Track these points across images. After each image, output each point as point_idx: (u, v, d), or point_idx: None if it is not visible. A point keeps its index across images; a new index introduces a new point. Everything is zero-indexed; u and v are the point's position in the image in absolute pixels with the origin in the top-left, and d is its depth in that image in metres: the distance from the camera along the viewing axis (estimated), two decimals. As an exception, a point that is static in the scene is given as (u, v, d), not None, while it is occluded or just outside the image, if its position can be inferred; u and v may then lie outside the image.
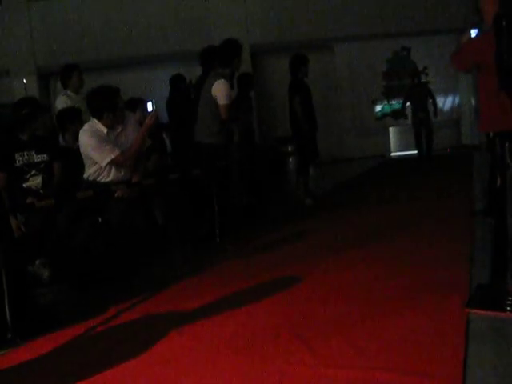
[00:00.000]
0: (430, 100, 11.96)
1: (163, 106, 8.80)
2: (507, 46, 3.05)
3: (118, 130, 5.06)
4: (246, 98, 8.13)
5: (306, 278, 4.09)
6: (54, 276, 4.73)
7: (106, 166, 4.93)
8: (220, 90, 5.81)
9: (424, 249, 4.64)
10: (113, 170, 4.98)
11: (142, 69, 14.90)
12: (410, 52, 15.63)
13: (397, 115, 15.16)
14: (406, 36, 15.08)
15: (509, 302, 3.01)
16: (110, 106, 4.94)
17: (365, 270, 4.15)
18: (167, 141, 8.48)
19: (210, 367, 2.69)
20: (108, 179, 4.99)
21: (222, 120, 5.89)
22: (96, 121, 4.99)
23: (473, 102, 14.55)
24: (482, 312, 3.03)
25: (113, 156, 4.89)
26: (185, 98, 8.14)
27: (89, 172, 5.01)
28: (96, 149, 4.89)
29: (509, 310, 3.00)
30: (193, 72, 9.47)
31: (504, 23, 3.04)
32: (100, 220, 4.86)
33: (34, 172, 5.07)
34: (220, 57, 6.02)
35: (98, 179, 4.99)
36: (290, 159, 13.72)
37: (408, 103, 12.18)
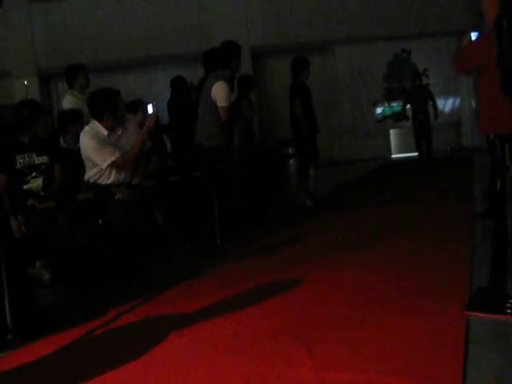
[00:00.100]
0: (431, 102, 11.96)
1: (164, 107, 8.81)
2: (508, 48, 3.05)
3: (119, 133, 5.06)
4: (246, 100, 8.14)
5: (306, 280, 4.09)
6: (55, 278, 4.73)
7: (106, 168, 4.94)
8: (219, 92, 5.82)
9: (424, 251, 4.64)
10: (113, 172, 4.99)
11: (142, 71, 14.91)
12: (410, 54, 15.62)
13: (397, 117, 15.17)
14: (407, 38, 15.08)
15: (509, 305, 3.01)
16: (110, 107, 4.94)
17: (365, 273, 4.14)
18: (168, 142, 8.48)
19: (209, 369, 2.69)
20: (108, 181, 5.00)
21: (221, 122, 5.89)
22: (97, 123, 4.99)
23: (473, 103, 14.55)
24: (482, 315, 3.02)
25: (113, 158, 4.89)
26: (185, 99, 8.15)
27: (89, 174, 5.01)
28: (96, 151, 4.90)
29: (509, 313, 2.99)
30: (193, 74, 9.48)
31: (505, 24, 3.04)
32: (100, 222, 4.87)
33: (34, 174, 5.07)
34: (219, 59, 6.02)
35: (99, 181, 4.99)
36: (291, 161, 13.70)
37: (408, 105, 12.18)
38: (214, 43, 6.74)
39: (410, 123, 12.40)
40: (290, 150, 13.08)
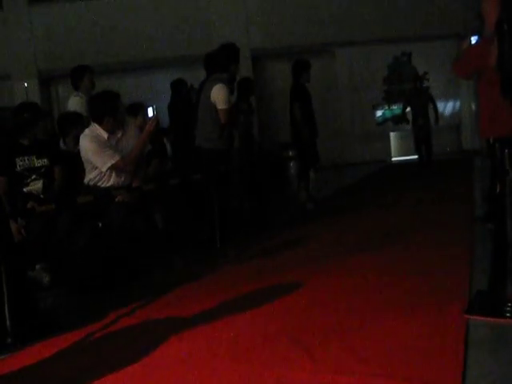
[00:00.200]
0: (431, 106, 11.95)
1: (164, 110, 8.81)
2: (509, 51, 3.06)
3: (119, 135, 5.07)
4: (246, 103, 8.15)
5: (306, 283, 4.09)
6: (54, 281, 4.73)
7: (106, 171, 4.94)
8: (219, 95, 5.82)
9: (424, 254, 4.64)
10: (113, 175, 4.99)
11: (142, 73, 14.93)
12: (410, 57, 15.64)
13: (397, 120, 15.17)
14: (407, 41, 15.11)
15: (508, 309, 3.01)
16: (110, 110, 4.95)
17: (365, 276, 4.14)
18: (168, 145, 8.48)
19: (209, 373, 2.69)
20: (108, 184, 5.00)
21: (221, 124, 5.89)
22: (97, 126, 5.00)
23: (473, 107, 14.56)
24: (482, 318, 3.03)
25: (113, 161, 4.89)
26: (186, 102, 8.16)
27: (89, 177, 5.01)
28: (96, 154, 4.90)
29: (508, 317, 2.99)
30: (194, 76, 9.48)
31: (506, 28, 3.05)
32: (100, 225, 4.87)
33: (34, 177, 5.07)
34: (217, 61, 6.02)
35: (99, 184, 5.00)
36: (291, 164, 13.72)
37: (408, 108, 12.17)
38: (215, 46, 6.75)
39: (410, 126, 12.38)
40: (290, 153, 13.11)
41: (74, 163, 5.24)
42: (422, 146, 11.92)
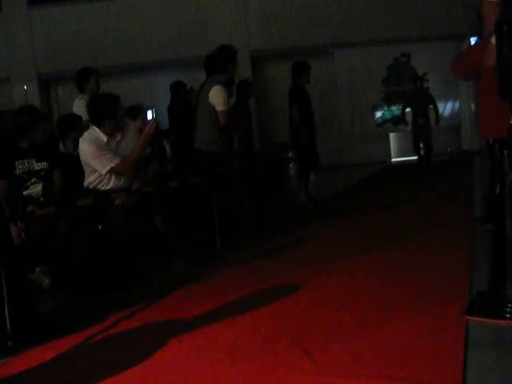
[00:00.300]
0: (431, 106, 11.96)
1: (163, 112, 8.83)
2: (508, 52, 3.06)
3: (118, 138, 5.07)
4: (244, 105, 8.16)
5: (306, 284, 4.09)
6: (54, 284, 4.73)
7: (105, 174, 4.94)
8: (217, 97, 5.82)
9: (424, 255, 4.65)
10: (113, 178, 4.99)
11: (142, 75, 14.94)
12: (409, 58, 15.65)
13: (397, 121, 15.17)
14: (406, 42, 15.12)
15: (508, 310, 3.01)
16: (110, 113, 4.95)
17: (365, 277, 4.15)
18: (167, 147, 8.49)
19: (209, 375, 2.69)
20: (108, 187, 5.00)
21: (220, 126, 5.89)
22: (96, 129, 4.99)
23: (473, 107, 14.56)
24: (482, 319, 3.02)
25: (112, 164, 4.89)
26: (186, 104, 8.16)
27: (89, 180, 5.01)
28: (96, 157, 4.90)
29: (508, 318, 2.99)
30: (193, 78, 9.50)
31: (506, 29, 3.05)
32: (100, 227, 4.87)
33: (34, 180, 5.07)
34: (215, 63, 6.02)
35: (98, 187, 4.99)
36: (291, 165, 13.73)
37: (408, 109, 12.17)
38: (214, 48, 6.76)
39: (408, 128, 12.38)
40: (290, 154, 13.12)
41: (74, 166, 5.24)
42: (421, 145, 11.92)
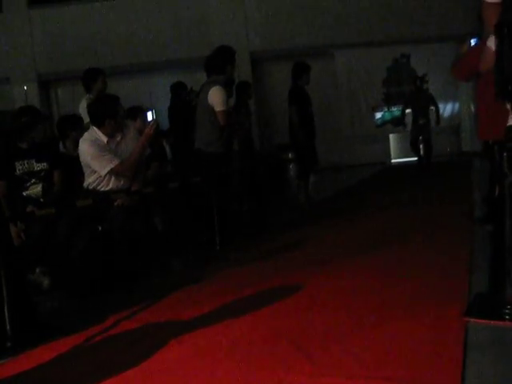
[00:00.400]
0: (432, 107, 11.96)
1: (163, 113, 8.83)
2: (508, 54, 3.05)
3: (118, 139, 5.07)
4: (244, 106, 8.17)
5: (306, 285, 4.09)
6: (54, 284, 4.74)
7: (105, 175, 4.94)
8: (216, 97, 5.82)
9: (423, 256, 4.64)
10: (112, 178, 4.99)
11: (142, 76, 14.95)
12: (409, 59, 15.66)
13: (397, 122, 15.19)
14: (406, 43, 15.13)
15: (507, 311, 3.01)
16: (111, 113, 4.95)
17: (364, 278, 4.15)
18: (167, 148, 8.50)
19: (209, 376, 2.69)
20: (108, 188, 5.00)
21: (220, 126, 5.89)
22: (96, 129, 5.00)
23: (472, 108, 14.57)
24: (481, 321, 3.02)
25: (112, 165, 4.90)
26: (186, 105, 8.17)
27: (88, 181, 5.02)
28: (95, 158, 4.90)
29: (507, 319, 2.99)
30: (193, 79, 9.51)
31: (506, 31, 3.05)
32: (100, 228, 4.87)
33: (34, 180, 5.08)
34: (213, 64, 6.02)
35: (98, 188, 5.00)
36: (291, 166, 13.74)
37: (408, 110, 12.17)
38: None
39: (407, 129, 12.39)
40: (290, 155, 13.14)
41: (74, 167, 5.25)
42: (419, 147, 11.93)
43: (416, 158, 12.37)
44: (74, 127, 5.79)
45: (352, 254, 4.95)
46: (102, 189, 5.00)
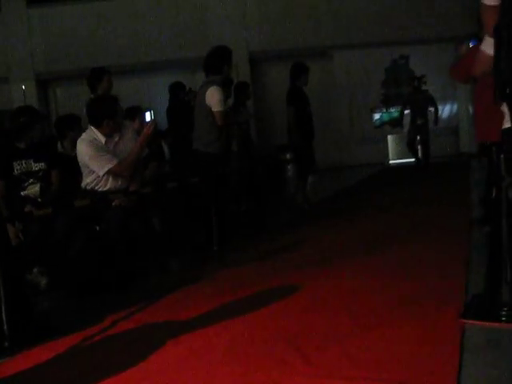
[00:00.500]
0: (431, 108, 11.97)
1: (161, 113, 8.83)
2: (506, 57, 3.06)
3: (116, 139, 5.07)
4: (242, 107, 8.18)
5: (304, 286, 4.10)
6: (52, 284, 4.74)
7: (103, 175, 4.94)
8: (213, 97, 5.81)
9: (421, 257, 4.65)
10: (110, 179, 4.98)
11: (140, 76, 14.94)
12: (408, 60, 15.67)
13: (395, 123, 15.19)
14: (405, 44, 15.14)
15: (504, 313, 3.01)
16: (109, 113, 4.95)
17: (363, 279, 4.15)
18: (166, 148, 8.50)
19: (206, 377, 2.70)
20: (105, 188, 4.99)
21: (218, 127, 5.89)
22: (94, 129, 4.99)
23: (470, 110, 14.57)
24: (478, 323, 3.03)
25: (110, 166, 4.89)
26: (184, 105, 8.17)
27: (86, 181, 5.01)
28: (93, 158, 4.90)
29: (504, 321, 2.99)
30: (192, 79, 9.51)
31: (505, 34, 3.05)
32: (97, 228, 4.87)
33: (32, 180, 5.08)
34: (210, 64, 6.02)
35: (96, 188, 4.99)
36: (289, 166, 13.75)
37: (407, 110, 12.18)
38: (212, 49, 6.77)
39: (405, 129, 12.40)
40: (288, 156, 13.15)
41: (72, 167, 5.24)
42: (416, 148, 11.94)
43: (414, 159, 12.37)
44: (72, 127, 5.78)
45: (351, 255, 4.96)
46: (100, 189, 4.99)
